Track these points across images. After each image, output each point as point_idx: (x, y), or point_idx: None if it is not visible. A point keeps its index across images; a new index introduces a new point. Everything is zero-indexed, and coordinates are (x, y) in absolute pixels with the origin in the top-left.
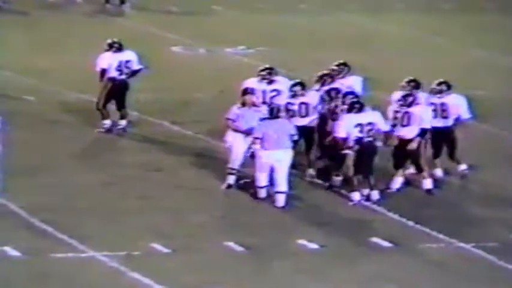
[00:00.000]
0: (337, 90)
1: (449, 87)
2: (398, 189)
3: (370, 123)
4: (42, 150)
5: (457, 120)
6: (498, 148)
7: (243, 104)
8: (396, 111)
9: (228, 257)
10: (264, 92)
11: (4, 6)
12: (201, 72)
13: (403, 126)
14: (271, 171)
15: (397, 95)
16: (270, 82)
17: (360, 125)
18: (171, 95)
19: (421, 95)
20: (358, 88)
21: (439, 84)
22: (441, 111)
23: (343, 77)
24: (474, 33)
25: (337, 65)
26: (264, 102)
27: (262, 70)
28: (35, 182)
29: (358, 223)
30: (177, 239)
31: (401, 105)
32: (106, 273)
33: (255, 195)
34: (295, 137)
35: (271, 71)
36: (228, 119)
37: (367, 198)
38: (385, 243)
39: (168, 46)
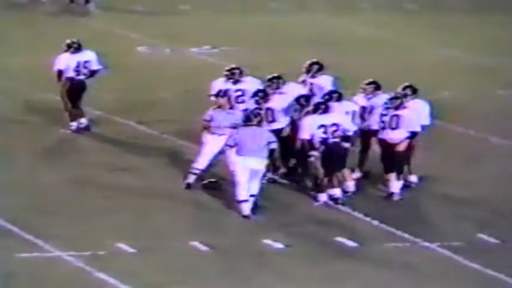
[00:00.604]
0: (307, 97)
1: (414, 91)
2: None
3: (334, 124)
4: (7, 149)
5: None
6: (464, 147)
7: (219, 106)
8: (383, 114)
9: (193, 257)
10: (229, 91)
11: None
12: (167, 71)
13: (392, 129)
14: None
15: (359, 97)
16: (236, 82)
17: (323, 126)
18: (137, 95)
19: (382, 97)
20: (329, 87)
21: (404, 88)
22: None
23: (313, 77)
24: (440, 32)
25: (309, 64)
26: (230, 103)
27: (228, 70)
28: (0, 181)
29: (323, 223)
30: (143, 238)
31: (388, 108)
32: (72, 273)
33: (245, 217)
34: (274, 145)
35: (235, 70)
36: (204, 120)
37: (332, 198)
38: (350, 243)
39: (133, 46)
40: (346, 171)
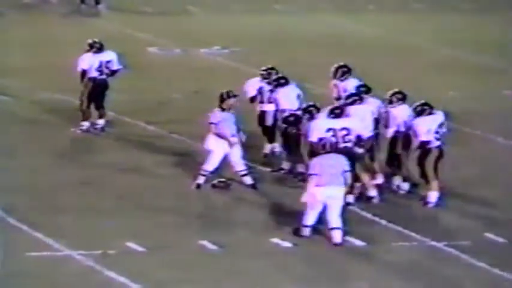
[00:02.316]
0: (317, 107)
1: (403, 98)
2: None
3: (345, 129)
4: (19, 149)
5: (397, 131)
6: (470, 147)
7: (224, 108)
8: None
9: (202, 256)
10: (262, 91)
11: None
12: (177, 72)
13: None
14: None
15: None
16: (268, 82)
17: (332, 129)
18: (147, 95)
19: (372, 101)
20: (352, 91)
21: (392, 95)
22: (385, 120)
23: (342, 80)
24: (446, 33)
25: (336, 68)
26: (261, 102)
27: (264, 70)
28: (11, 181)
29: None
30: (152, 237)
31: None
32: (82, 272)
33: (297, 232)
34: (350, 174)
35: (271, 71)
36: (211, 123)
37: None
38: (358, 242)
39: (144, 46)
40: (365, 177)
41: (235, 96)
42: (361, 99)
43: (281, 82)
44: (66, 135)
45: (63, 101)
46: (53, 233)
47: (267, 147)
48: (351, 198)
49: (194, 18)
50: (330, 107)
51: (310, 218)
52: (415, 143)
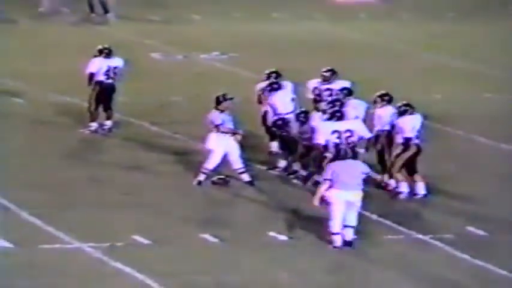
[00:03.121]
0: (306, 113)
1: (388, 100)
2: (425, 195)
3: (348, 131)
4: (31, 148)
5: (381, 130)
6: (453, 147)
7: (222, 110)
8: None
9: (203, 248)
10: (264, 92)
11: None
12: (178, 76)
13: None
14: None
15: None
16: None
17: (337, 132)
18: (151, 98)
19: (353, 102)
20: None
21: (378, 96)
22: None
23: (330, 83)
24: (432, 39)
25: (324, 71)
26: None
27: (267, 73)
28: (24, 178)
29: (325, 216)
30: (157, 231)
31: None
32: (91, 263)
33: (330, 242)
34: (370, 174)
35: (272, 74)
36: (217, 125)
37: None
38: None
39: (148, 52)
40: None
41: (230, 98)
42: (342, 104)
43: (274, 87)
44: (75, 136)
45: (72, 104)
46: (63, 227)
47: (273, 145)
48: None
49: (196, 25)
50: (330, 111)
51: (335, 225)
52: (399, 140)
